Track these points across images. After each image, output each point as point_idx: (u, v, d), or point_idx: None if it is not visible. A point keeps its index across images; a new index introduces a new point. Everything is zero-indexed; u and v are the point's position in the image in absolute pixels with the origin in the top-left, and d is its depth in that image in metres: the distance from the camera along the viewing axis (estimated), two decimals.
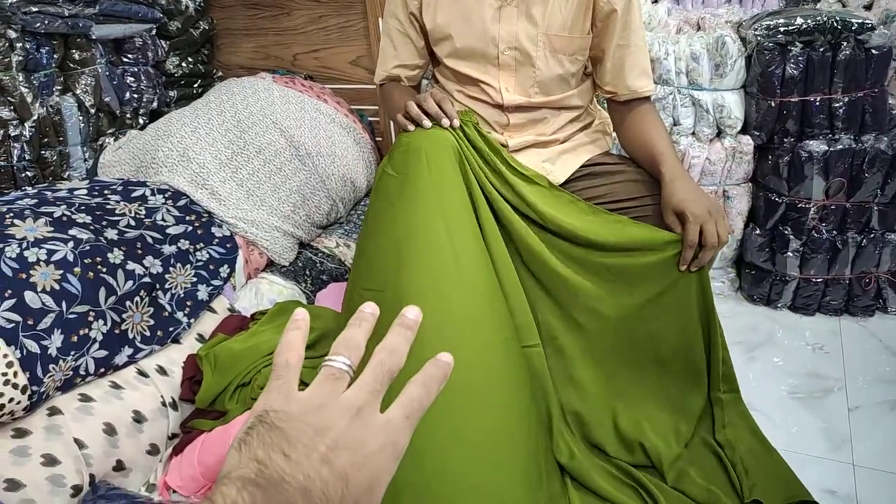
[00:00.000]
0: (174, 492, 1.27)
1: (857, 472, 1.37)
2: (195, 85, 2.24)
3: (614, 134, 1.56)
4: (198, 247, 1.57)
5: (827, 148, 1.73)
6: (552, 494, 1.16)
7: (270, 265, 1.80)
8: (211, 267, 1.56)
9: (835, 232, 1.82)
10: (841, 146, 1.72)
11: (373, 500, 0.39)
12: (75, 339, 1.22)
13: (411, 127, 1.27)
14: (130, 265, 1.36)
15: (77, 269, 1.26)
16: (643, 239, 1.25)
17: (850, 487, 1.33)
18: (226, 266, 1.59)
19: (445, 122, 1.25)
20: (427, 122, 1.25)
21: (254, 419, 0.40)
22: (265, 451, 0.37)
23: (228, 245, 1.63)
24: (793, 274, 1.88)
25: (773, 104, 1.75)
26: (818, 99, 1.72)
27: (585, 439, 1.35)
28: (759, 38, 1.71)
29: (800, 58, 1.69)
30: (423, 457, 1.04)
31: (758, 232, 1.90)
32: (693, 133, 1.89)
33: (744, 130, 1.86)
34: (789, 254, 1.85)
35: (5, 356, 1.12)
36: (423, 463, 1.04)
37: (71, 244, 1.29)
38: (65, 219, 1.37)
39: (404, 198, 1.22)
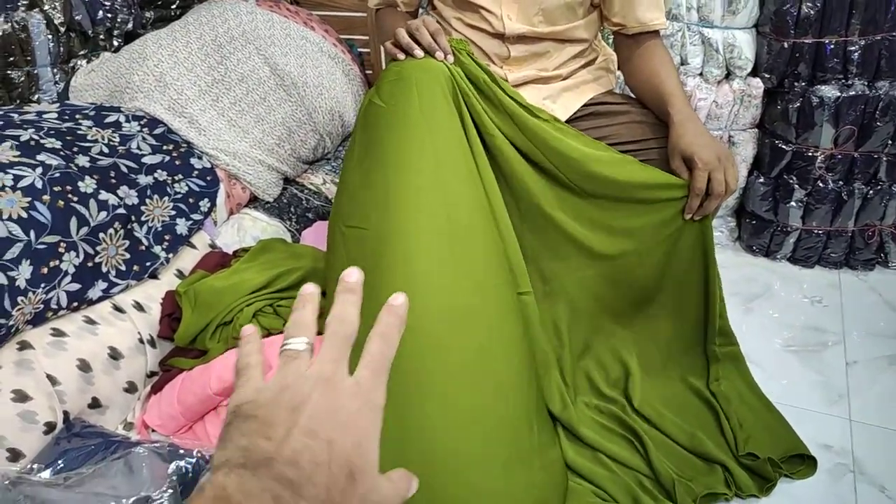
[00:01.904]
0: (153, 431, 1.22)
1: (854, 427, 1.35)
2: (173, 6, 2.10)
3: (618, 72, 1.48)
4: (176, 178, 1.48)
5: (839, 94, 1.66)
6: (542, 442, 1.13)
7: (254, 200, 1.72)
8: (190, 200, 1.48)
9: (841, 182, 1.77)
10: (854, 92, 1.65)
11: (365, 455, 0.40)
12: (45, 270, 1.15)
13: (401, 56, 1.18)
14: (104, 195, 1.27)
15: (46, 197, 1.18)
16: (648, 181, 1.19)
17: (846, 442, 1.32)
18: (206, 200, 1.51)
19: (439, 55, 1.16)
20: (419, 52, 1.16)
21: (229, 416, 0.41)
22: (247, 438, 0.39)
23: (209, 178, 1.55)
24: (795, 225, 1.84)
25: (785, 45, 1.67)
26: (833, 41, 1.64)
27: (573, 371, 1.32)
28: None
29: None
30: (404, 399, 0.99)
31: (761, 180, 1.84)
32: (701, 74, 1.81)
33: (754, 73, 1.78)
34: (793, 203, 1.80)
35: None
36: (404, 408, 0.99)
37: (39, 170, 1.20)
38: (33, 143, 1.28)
39: (393, 131, 1.14)
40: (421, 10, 1.62)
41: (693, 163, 1.13)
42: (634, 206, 1.20)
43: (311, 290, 0.48)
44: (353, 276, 0.47)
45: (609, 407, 1.31)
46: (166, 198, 1.43)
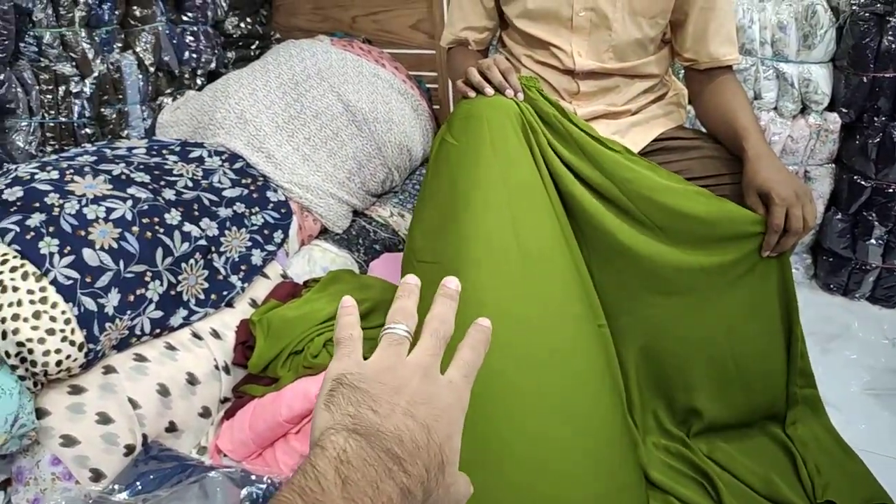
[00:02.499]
0: (225, 455, 1.26)
1: None
2: (253, 46, 2.21)
3: (689, 107, 1.47)
4: (253, 211, 1.54)
5: None
6: (627, 483, 1.10)
7: (324, 232, 1.77)
8: (265, 232, 1.53)
9: None
10: None
11: (453, 449, 0.42)
12: (132, 298, 1.21)
13: (472, 94, 1.20)
14: (187, 226, 1.34)
15: (135, 228, 1.25)
16: (723, 215, 1.16)
17: None
18: (280, 231, 1.57)
19: (509, 92, 1.18)
20: (489, 90, 1.18)
21: (332, 383, 0.43)
22: (355, 407, 0.41)
23: (283, 210, 1.60)
24: (874, 263, 1.76)
25: (865, 80, 1.63)
26: None
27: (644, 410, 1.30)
28: (854, 6, 1.58)
29: None
30: (492, 435, 1.00)
31: (839, 217, 1.78)
32: (775, 108, 1.77)
33: (830, 107, 1.74)
34: (872, 241, 1.74)
35: (63, 313, 1.11)
36: (491, 441, 1.00)
37: (129, 203, 1.28)
38: (124, 177, 1.36)
39: (465, 168, 1.17)
40: (491, 49, 1.65)
41: (770, 199, 1.11)
42: (708, 240, 1.18)
43: (413, 281, 0.51)
44: (452, 283, 0.50)
45: (678, 447, 1.28)
46: (243, 229, 1.49)
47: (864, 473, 1.24)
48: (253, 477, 1.13)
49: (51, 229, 1.16)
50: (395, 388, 0.42)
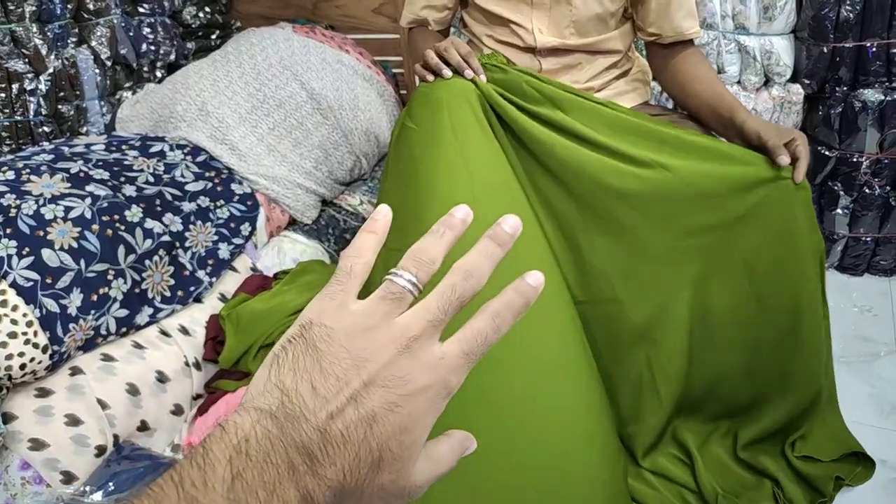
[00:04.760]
0: None
1: None
2: (213, 36, 2.17)
3: (654, 84, 1.46)
4: (218, 204, 1.52)
5: (883, 97, 1.62)
6: (611, 455, 1.11)
7: (293, 223, 1.75)
8: (232, 225, 1.51)
9: (888, 188, 1.72)
10: None
11: (405, 443, 0.34)
12: (95, 298, 1.19)
13: (430, 77, 1.19)
14: (149, 223, 1.32)
15: (95, 227, 1.22)
16: (730, 148, 1.12)
17: None
18: (247, 224, 1.55)
19: (469, 73, 1.16)
20: (447, 72, 1.16)
21: (298, 328, 0.35)
22: (294, 378, 0.33)
23: (249, 202, 1.58)
24: (841, 232, 1.79)
25: (825, 50, 1.64)
26: (875, 44, 1.60)
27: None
28: None
29: None
30: (494, 431, 1.01)
31: None
32: (739, 81, 1.78)
33: (793, 79, 1.75)
34: (838, 211, 1.76)
35: (25, 315, 1.09)
36: (494, 438, 1.01)
37: (88, 201, 1.25)
38: (82, 175, 1.33)
39: (425, 151, 1.15)
40: (453, 30, 1.64)
41: (794, 136, 1.10)
42: (714, 166, 1.11)
43: (461, 214, 0.41)
44: (510, 224, 0.39)
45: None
46: (209, 223, 1.46)
47: (840, 423, 1.25)
48: None
49: (8, 231, 1.14)
50: (356, 362, 0.33)
